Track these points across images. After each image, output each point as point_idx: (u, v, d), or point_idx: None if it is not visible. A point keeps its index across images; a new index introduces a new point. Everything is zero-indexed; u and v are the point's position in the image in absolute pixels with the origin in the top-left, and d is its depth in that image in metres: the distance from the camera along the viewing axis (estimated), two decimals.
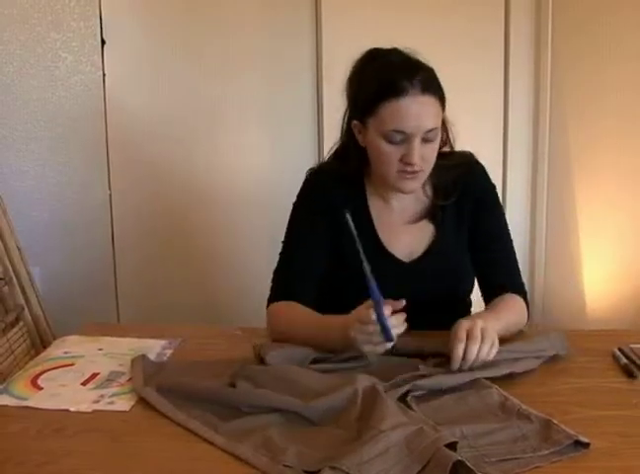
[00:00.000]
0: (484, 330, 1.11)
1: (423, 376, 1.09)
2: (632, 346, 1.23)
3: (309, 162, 2.48)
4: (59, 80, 2.34)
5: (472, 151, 1.40)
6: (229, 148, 2.45)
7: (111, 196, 2.43)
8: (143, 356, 1.20)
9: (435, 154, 1.27)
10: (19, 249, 1.88)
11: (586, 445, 0.90)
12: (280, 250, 1.41)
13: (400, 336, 1.12)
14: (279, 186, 2.37)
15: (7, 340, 1.64)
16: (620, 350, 1.22)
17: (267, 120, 2.44)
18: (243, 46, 2.38)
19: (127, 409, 1.05)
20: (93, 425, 1.00)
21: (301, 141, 2.45)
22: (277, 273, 1.39)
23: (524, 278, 1.41)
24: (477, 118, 2.19)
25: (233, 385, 1.08)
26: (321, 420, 0.99)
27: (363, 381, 1.05)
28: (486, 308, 1.31)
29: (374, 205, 1.38)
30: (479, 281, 1.41)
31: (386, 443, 0.87)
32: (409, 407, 1.01)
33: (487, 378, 1.09)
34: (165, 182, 2.44)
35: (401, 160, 1.24)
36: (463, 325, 1.12)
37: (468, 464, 0.82)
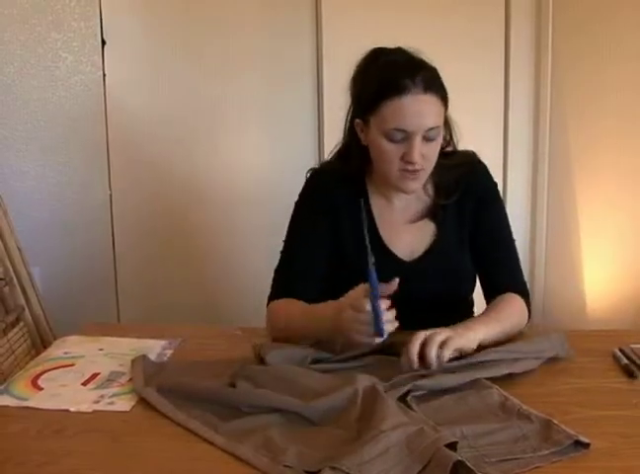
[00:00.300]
0: (453, 335, 1.12)
1: (423, 376, 1.09)
2: (633, 346, 1.23)
3: (309, 162, 2.48)
4: (60, 80, 2.34)
5: (474, 150, 1.40)
6: (229, 148, 2.45)
7: (111, 196, 2.43)
8: (144, 357, 1.20)
9: (436, 153, 1.27)
10: (19, 249, 1.87)
11: (586, 446, 0.90)
12: (280, 249, 1.41)
13: (392, 334, 1.12)
14: (279, 186, 2.37)
15: (7, 340, 1.64)
16: (621, 350, 1.22)
17: (267, 120, 2.45)
18: (243, 46, 2.38)
19: (128, 409, 1.05)
20: (93, 425, 1.00)
21: (301, 141, 2.45)
22: (277, 271, 1.40)
23: (525, 278, 1.41)
24: (477, 119, 2.18)
25: (233, 385, 1.08)
26: (321, 420, 0.99)
27: (364, 381, 1.05)
28: (486, 309, 1.31)
29: (376, 205, 1.38)
30: (481, 281, 1.41)
31: (386, 444, 0.87)
32: (409, 407, 1.01)
33: (487, 378, 1.09)
34: (165, 182, 2.44)
35: (402, 158, 1.24)
36: (422, 334, 1.13)
37: (468, 464, 0.82)
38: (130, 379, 1.14)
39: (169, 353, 1.27)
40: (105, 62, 2.34)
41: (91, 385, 1.13)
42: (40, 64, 2.32)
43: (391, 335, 1.13)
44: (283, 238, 1.42)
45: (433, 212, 1.37)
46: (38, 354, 1.48)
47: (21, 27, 2.29)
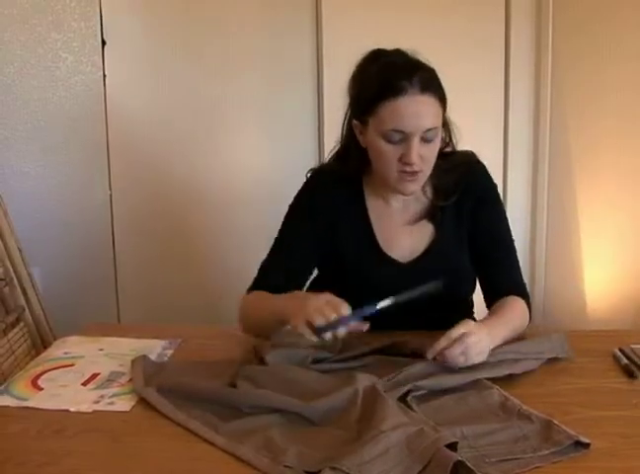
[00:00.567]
0: (478, 344, 1.11)
1: (423, 377, 1.09)
2: (633, 346, 1.23)
3: (309, 162, 2.48)
4: (60, 80, 2.34)
5: (472, 150, 1.40)
6: (229, 148, 2.45)
7: (111, 196, 2.43)
8: (144, 357, 1.20)
9: (434, 154, 1.27)
10: (19, 249, 1.88)
11: (586, 446, 0.90)
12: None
13: (394, 335, 1.13)
14: (279, 186, 2.37)
15: (8, 340, 1.64)
16: (621, 350, 1.22)
17: (267, 121, 2.45)
18: (243, 46, 2.38)
19: (128, 409, 1.05)
20: (93, 425, 1.00)
21: (301, 142, 2.45)
22: (261, 265, 1.39)
23: (525, 279, 1.40)
24: (478, 119, 2.19)
25: (234, 385, 1.08)
26: (322, 420, 0.99)
27: (364, 381, 1.05)
28: (491, 312, 1.29)
29: (373, 207, 1.37)
30: (480, 282, 1.40)
31: (387, 444, 0.87)
32: (409, 407, 1.00)
33: (487, 379, 1.09)
34: (165, 182, 2.44)
35: (400, 160, 1.24)
36: (467, 326, 1.12)
37: (468, 464, 0.82)
38: (130, 379, 1.14)
39: (169, 353, 1.27)
40: (105, 62, 2.34)
41: (91, 385, 1.13)
42: (41, 64, 2.32)
43: (389, 336, 1.14)
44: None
45: (431, 214, 1.36)
46: (38, 354, 1.48)
47: (21, 27, 2.29)
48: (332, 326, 1.07)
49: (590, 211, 2.35)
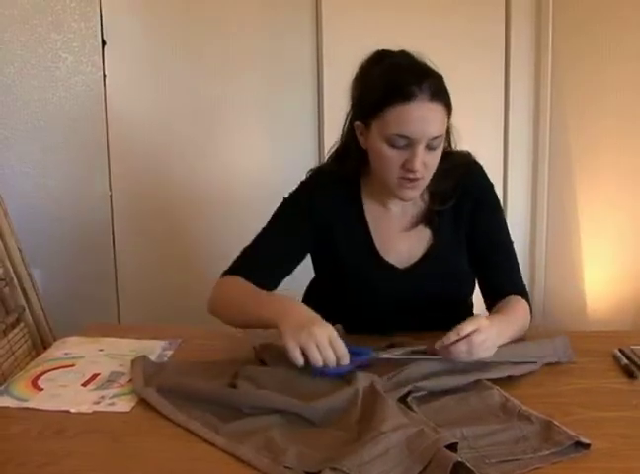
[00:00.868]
0: (485, 342, 1.11)
1: (424, 377, 1.09)
2: (633, 347, 1.23)
3: (309, 163, 2.48)
4: (60, 80, 2.34)
5: (472, 152, 1.39)
6: (229, 148, 2.45)
7: (111, 196, 2.43)
8: (144, 357, 1.20)
9: (437, 162, 1.25)
10: (19, 250, 1.87)
11: (586, 446, 0.90)
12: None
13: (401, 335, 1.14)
14: (278, 186, 2.34)
15: (8, 341, 1.64)
16: (621, 350, 1.22)
17: (267, 121, 2.45)
18: (243, 46, 2.39)
19: (128, 410, 1.05)
20: (93, 426, 1.00)
21: (301, 142, 2.45)
22: (244, 251, 1.36)
23: (525, 279, 1.40)
24: (477, 119, 2.19)
25: (234, 386, 1.08)
26: (322, 420, 0.99)
27: (363, 381, 1.05)
28: (495, 311, 1.28)
29: (370, 210, 1.36)
30: (479, 284, 1.39)
31: (387, 444, 0.87)
32: (409, 408, 1.00)
33: (488, 379, 1.09)
34: (165, 182, 2.44)
35: (402, 166, 1.22)
36: (477, 323, 1.11)
37: (469, 465, 0.83)
38: (131, 380, 1.13)
39: (169, 353, 1.27)
40: (105, 63, 2.34)
41: (91, 386, 1.12)
42: (41, 65, 2.32)
43: (389, 338, 1.15)
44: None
45: (428, 218, 1.34)
46: (38, 354, 1.48)
47: (21, 27, 2.29)
48: (326, 371, 1.06)
49: (590, 211, 2.35)
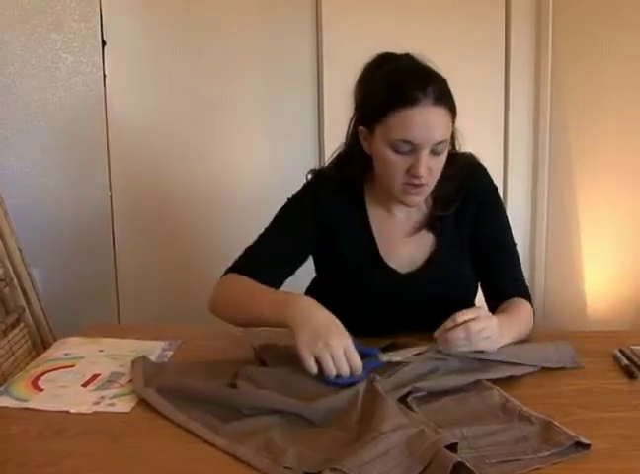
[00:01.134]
0: (484, 330, 1.11)
1: (424, 375, 1.09)
2: (633, 347, 1.23)
3: (309, 163, 2.48)
4: (60, 81, 2.34)
5: (472, 152, 1.39)
6: (229, 148, 2.45)
7: (111, 196, 2.43)
8: (144, 358, 1.20)
9: (441, 167, 1.24)
10: (19, 250, 1.87)
11: (586, 447, 0.90)
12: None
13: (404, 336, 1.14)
14: (278, 186, 2.35)
15: (8, 341, 1.64)
16: (621, 351, 1.22)
17: (267, 121, 2.45)
18: (243, 46, 2.39)
19: (128, 410, 1.05)
20: (93, 426, 1.00)
21: (301, 142, 2.45)
22: (247, 250, 1.35)
23: (526, 282, 1.40)
24: (477, 119, 2.19)
25: (234, 386, 1.08)
26: (322, 421, 0.99)
27: (363, 383, 1.05)
28: (499, 311, 1.27)
29: (374, 215, 1.35)
30: (482, 286, 1.39)
31: (387, 445, 0.87)
32: (409, 408, 1.00)
33: (488, 380, 1.09)
34: (165, 182, 2.44)
35: (407, 171, 1.21)
36: (476, 312, 1.12)
37: (469, 466, 0.83)
38: (131, 380, 1.13)
39: (169, 353, 1.27)
40: (105, 63, 2.34)
41: (91, 386, 1.12)
42: (41, 65, 2.32)
43: (390, 338, 1.15)
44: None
45: (431, 223, 1.34)
46: (38, 355, 1.48)
47: (21, 27, 2.29)
48: (338, 381, 1.06)
49: (590, 211, 2.35)
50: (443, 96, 1.20)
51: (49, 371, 1.19)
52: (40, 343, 1.83)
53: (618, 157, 2.27)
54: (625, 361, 1.18)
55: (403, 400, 1.02)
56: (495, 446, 0.90)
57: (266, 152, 2.47)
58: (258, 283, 1.25)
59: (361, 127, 1.27)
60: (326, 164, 1.42)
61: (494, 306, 1.31)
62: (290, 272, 1.34)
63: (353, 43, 2.29)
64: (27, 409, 1.05)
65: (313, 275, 1.48)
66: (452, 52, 2.21)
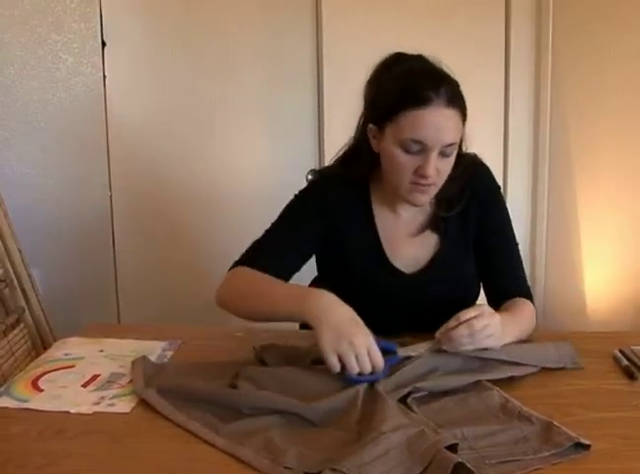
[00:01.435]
0: (487, 327, 1.11)
1: (424, 375, 1.09)
2: (633, 347, 1.23)
3: (309, 163, 2.49)
4: (60, 81, 2.34)
5: (475, 153, 1.39)
6: (229, 148, 2.45)
7: (111, 196, 2.43)
8: (144, 358, 1.20)
9: (449, 169, 1.24)
10: (19, 251, 1.87)
11: (587, 447, 0.90)
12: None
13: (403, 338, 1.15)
14: (278, 186, 2.37)
15: (8, 341, 1.64)
16: (621, 351, 1.22)
17: (267, 121, 2.45)
18: (243, 47, 2.39)
19: (128, 410, 1.05)
20: (94, 426, 1.00)
21: (301, 142, 2.45)
22: (255, 243, 1.34)
23: (528, 282, 1.40)
24: (477, 120, 2.18)
25: (234, 386, 1.08)
26: (322, 421, 0.99)
27: (363, 383, 1.05)
28: (502, 310, 1.26)
29: (380, 215, 1.35)
30: (484, 286, 1.39)
31: (387, 445, 0.87)
32: (410, 408, 1.00)
33: (488, 380, 1.09)
34: (165, 182, 2.45)
35: (415, 171, 1.21)
36: (479, 309, 1.12)
37: (469, 466, 0.83)
38: (131, 381, 1.13)
39: (169, 354, 1.27)
40: (105, 63, 2.34)
41: (91, 387, 1.12)
42: (41, 65, 2.32)
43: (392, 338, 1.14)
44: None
45: (435, 224, 1.34)
46: (38, 355, 1.48)
47: (21, 28, 2.29)
48: (360, 378, 1.06)
49: (590, 211, 2.35)
50: (456, 98, 1.20)
51: (49, 372, 1.19)
52: (41, 343, 1.83)
53: (618, 157, 2.27)
54: (625, 362, 1.18)
55: (403, 400, 1.03)
56: (495, 447, 0.90)
57: (266, 152, 2.47)
58: (271, 276, 1.23)
59: (371, 125, 1.27)
60: (331, 162, 1.41)
61: (496, 306, 1.30)
62: (297, 267, 1.33)
63: (353, 44, 2.29)
64: (27, 409, 1.05)
65: (312, 274, 1.48)
66: (452, 53, 2.18)
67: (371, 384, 1.05)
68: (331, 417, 0.99)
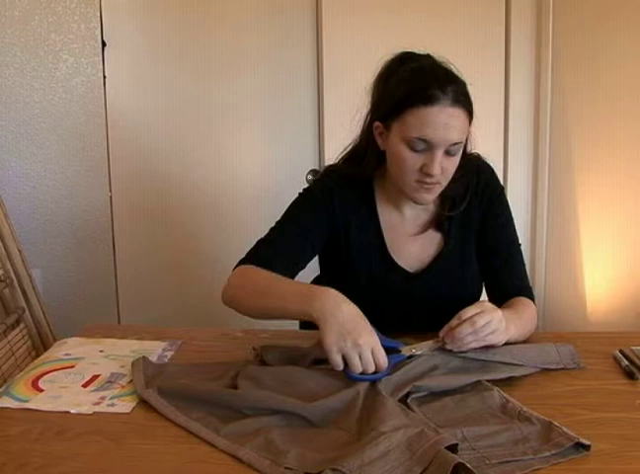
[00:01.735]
0: (490, 324, 1.11)
1: (424, 373, 1.09)
2: (633, 348, 1.23)
3: (309, 163, 2.49)
4: (60, 82, 2.34)
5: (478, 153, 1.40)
6: (230, 150, 2.45)
7: (111, 197, 2.43)
8: (144, 358, 1.19)
9: (454, 168, 1.24)
10: (20, 251, 1.88)
11: (587, 447, 0.90)
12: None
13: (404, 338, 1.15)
14: (279, 188, 2.38)
15: (8, 341, 1.64)
16: (621, 351, 1.22)
17: (267, 123, 2.45)
18: (244, 47, 2.39)
19: (128, 411, 1.05)
20: (94, 427, 1.00)
21: (302, 142, 2.45)
22: (260, 242, 1.34)
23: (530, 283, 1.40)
24: (478, 120, 2.18)
25: (234, 387, 1.08)
26: (322, 421, 0.99)
27: (364, 383, 1.05)
28: (504, 307, 1.26)
29: (384, 213, 1.35)
30: (486, 285, 1.39)
31: (387, 445, 0.87)
32: (410, 408, 1.00)
33: (488, 380, 1.09)
34: (165, 183, 2.45)
35: (421, 169, 1.21)
36: (480, 306, 1.12)
37: (469, 466, 0.83)
38: (131, 381, 1.13)
39: (169, 354, 1.27)
40: (105, 64, 2.34)
41: (91, 387, 1.12)
42: (41, 66, 2.32)
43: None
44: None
45: (438, 222, 1.35)
46: (38, 355, 1.48)
47: (21, 28, 2.29)
48: (362, 377, 1.06)
49: (590, 211, 2.35)
50: (462, 97, 1.21)
51: (50, 372, 1.19)
52: (41, 343, 1.83)
53: (619, 157, 2.27)
54: (625, 362, 1.18)
55: (403, 400, 1.03)
56: (495, 447, 0.90)
57: (266, 153, 2.47)
58: (279, 274, 1.23)
59: (377, 123, 1.27)
60: (336, 160, 1.41)
61: (497, 305, 1.31)
62: (303, 265, 1.33)
63: (352, 46, 2.29)
64: (27, 410, 1.05)
65: (312, 273, 1.48)
66: (452, 53, 2.20)
67: (372, 383, 1.05)
68: (331, 417, 0.99)
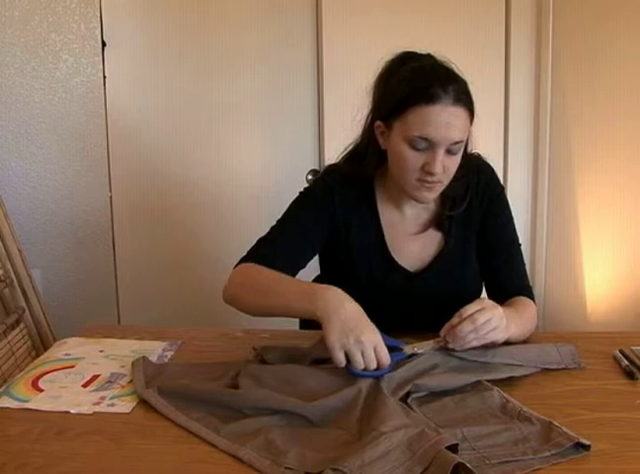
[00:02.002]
0: (490, 321, 1.11)
1: (425, 372, 1.09)
2: (633, 348, 1.23)
3: (309, 163, 2.49)
4: (60, 82, 2.34)
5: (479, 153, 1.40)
6: (230, 150, 2.45)
7: (111, 197, 2.43)
8: (144, 358, 1.19)
9: (456, 167, 1.25)
10: (20, 251, 1.88)
11: (587, 447, 0.90)
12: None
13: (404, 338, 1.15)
14: (279, 188, 2.38)
15: (8, 342, 1.64)
16: (621, 351, 1.22)
17: (267, 122, 2.45)
18: (244, 47, 2.39)
19: (128, 411, 1.05)
20: (94, 427, 1.00)
21: (301, 142, 2.45)
22: (261, 240, 1.34)
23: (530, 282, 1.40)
24: (478, 120, 2.18)
25: (234, 386, 1.08)
26: (323, 420, 0.99)
27: (366, 381, 1.05)
28: (505, 306, 1.26)
29: (384, 212, 1.36)
30: (486, 284, 1.40)
31: (388, 445, 0.87)
32: (410, 408, 1.00)
33: (488, 380, 1.09)
34: (165, 183, 2.45)
35: (422, 168, 1.21)
36: (481, 304, 1.12)
37: (469, 466, 0.83)
38: (131, 381, 1.13)
39: (169, 354, 1.27)
40: (105, 64, 2.34)
41: (91, 387, 1.12)
42: (41, 66, 2.32)
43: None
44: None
45: (439, 222, 1.35)
46: (38, 355, 1.48)
47: (21, 28, 2.29)
48: (364, 373, 1.07)
49: (590, 211, 2.36)
50: (464, 96, 1.21)
51: (50, 372, 1.19)
52: (41, 343, 1.83)
53: (619, 157, 2.27)
54: (625, 362, 1.18)
55: (404, 400, 1.03)
56: (495, 447, 0.90)
57: (266, 153, 2.47)
58: (281, 272, 1.23)
59: (379, 122, 1.27)
60: (337, 159, 1.41)
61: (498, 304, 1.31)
62: (303, 264, 1.33)
63: (352, 46, 2.29)
64: (27, 410, 1.05)
65: (312, 272, 1.48)
66: (452, 53, 2.21)
67: (374, 381, 1.05)
68: (332, 416, 0.99)
